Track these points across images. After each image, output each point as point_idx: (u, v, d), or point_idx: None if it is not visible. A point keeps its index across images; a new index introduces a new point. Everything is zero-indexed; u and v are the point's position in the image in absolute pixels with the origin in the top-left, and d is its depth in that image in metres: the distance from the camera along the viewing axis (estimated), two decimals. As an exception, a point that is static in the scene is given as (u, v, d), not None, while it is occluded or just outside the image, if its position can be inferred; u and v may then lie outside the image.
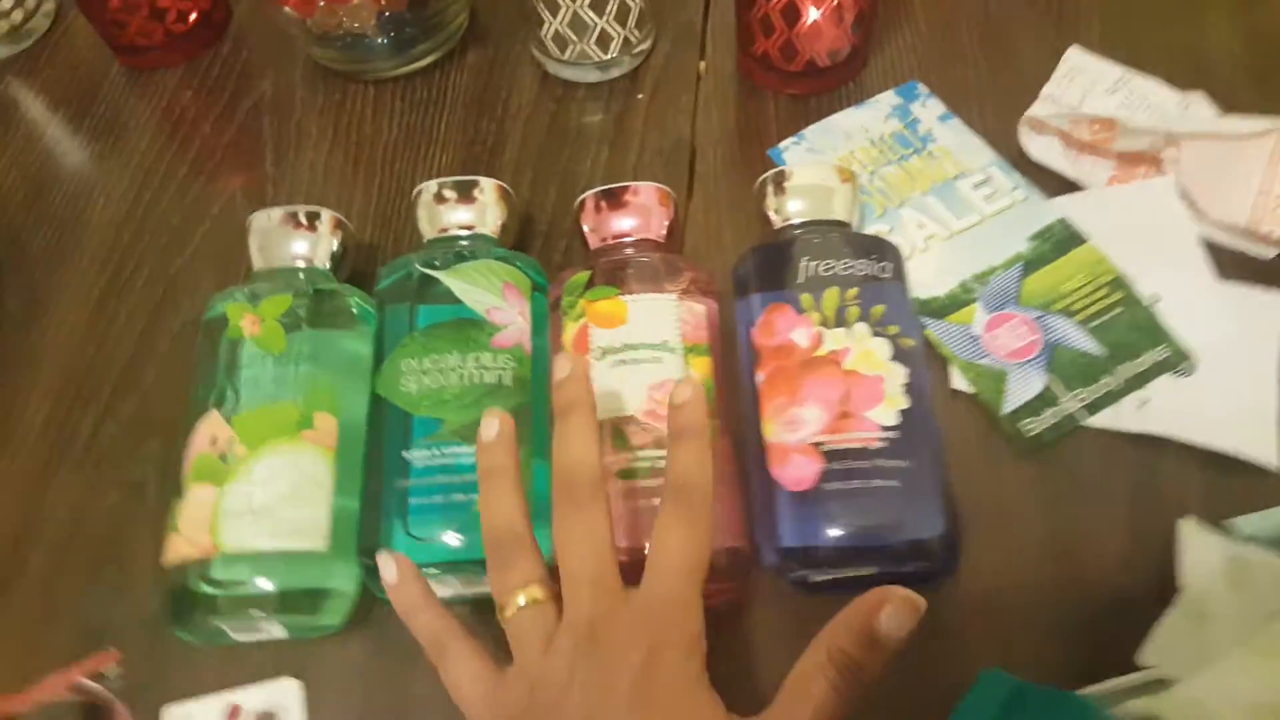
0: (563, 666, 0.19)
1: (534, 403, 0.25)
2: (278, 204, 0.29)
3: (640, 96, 0.36)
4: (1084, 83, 0.33)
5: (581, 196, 0.29)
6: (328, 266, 0.29)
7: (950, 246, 0.30)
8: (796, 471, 0.23)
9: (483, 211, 0.29)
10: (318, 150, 0.36)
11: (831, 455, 0.23)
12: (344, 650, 0.25)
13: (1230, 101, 0.32)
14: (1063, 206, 0.31)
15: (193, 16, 0.38)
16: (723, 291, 0.28)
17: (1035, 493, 0.26)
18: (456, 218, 0.29)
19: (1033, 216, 0.31)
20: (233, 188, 0.35)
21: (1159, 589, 0.24)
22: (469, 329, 0.26)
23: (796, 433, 0.24)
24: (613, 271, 0.26)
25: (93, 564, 0.28)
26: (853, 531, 0.22)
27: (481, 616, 0.24)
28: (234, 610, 0.23)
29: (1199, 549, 0.23)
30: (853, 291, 0.25)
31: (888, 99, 0.35)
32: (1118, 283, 0.29)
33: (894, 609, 0.19)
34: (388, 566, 0.22)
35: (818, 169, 0.28)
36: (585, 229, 0.29)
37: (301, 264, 0.28)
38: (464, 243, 0.28)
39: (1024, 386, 0.28)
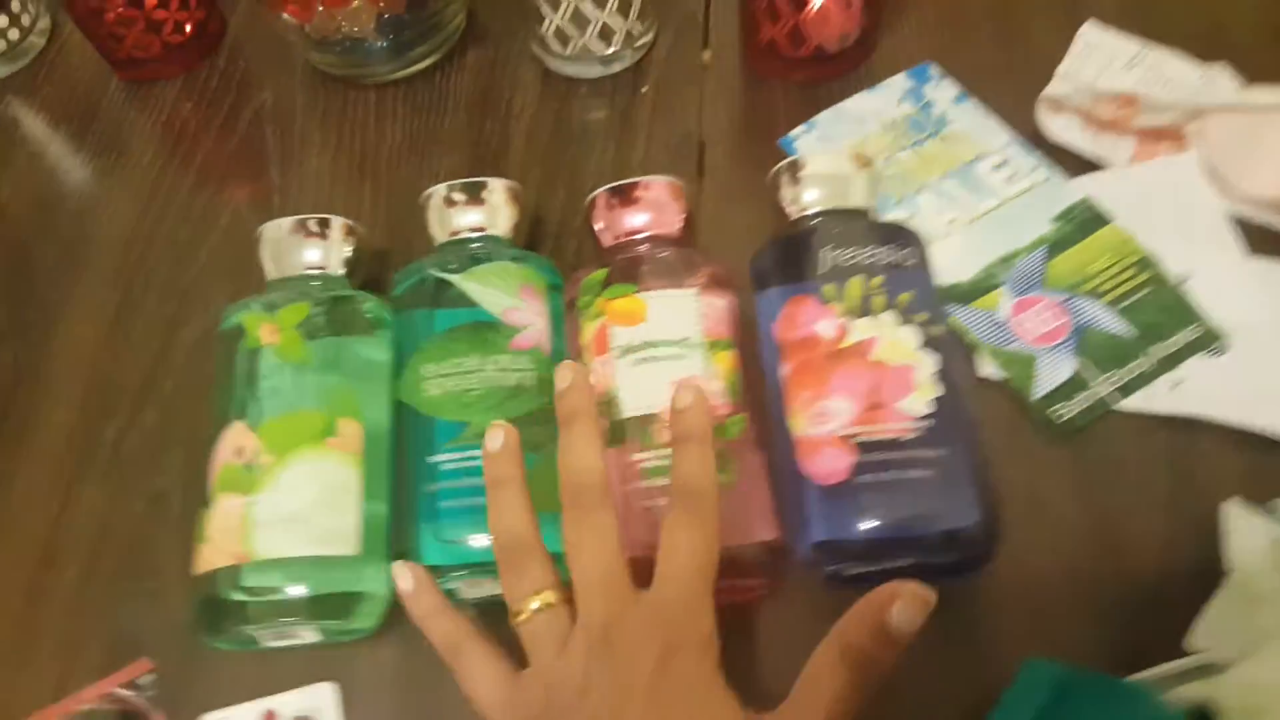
0: (578, 669, 0.19)
1: (553, 403, 0.25)
2: (285, 213, 0.28)
3: (644, 90, 0.35)
4: (1101, 59, 0.33)
5: (592, 194, 0.28)
6: (342, 273, 0.28)
7: (972, 231, 0.30)
8: (828, 465, 0.23)
9: (494, 213, 0.28)
10: (321, 158, 0.35)
11: (864, 447, 0.22)
12: (377, 654, 0.25)
13: (1254, 73, 0.31)
14: (1085, 186, 0.30)
15: (188, 27, 0.38)
16: (740, 285, 0.27)
17: (1070, 478, 0.26)
18: (468, 220, 0.28)
19: (1055, 197, 0.30)
20: (239, 199, 0.35)
21: (1200, 573, 0.24)
22: (486, 332, 0.25)
23: (826, 425, 0.23)
24: (629, 269, 0.26)
25: (122, 574, 0.28)
26: (888, 523, 0.22)
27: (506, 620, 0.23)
28: (267, 617, 0.23)
29: (1245, 532, 0.23)
30: (877, 280, 0.25)
31: (899, 83, 0.34)
32: (1145, 262, 0.29)
33: (904, 604, 0.19)
34: (403, 577, 0.22)
35: (834, 156, 0.28)
36: (598, 227, 0.28)
37: (316, 272, 0.28)
38: (476, 245, 0.28)
39: (1054, 371, 0.27)
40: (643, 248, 0.27)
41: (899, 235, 0.26)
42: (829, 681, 0.19)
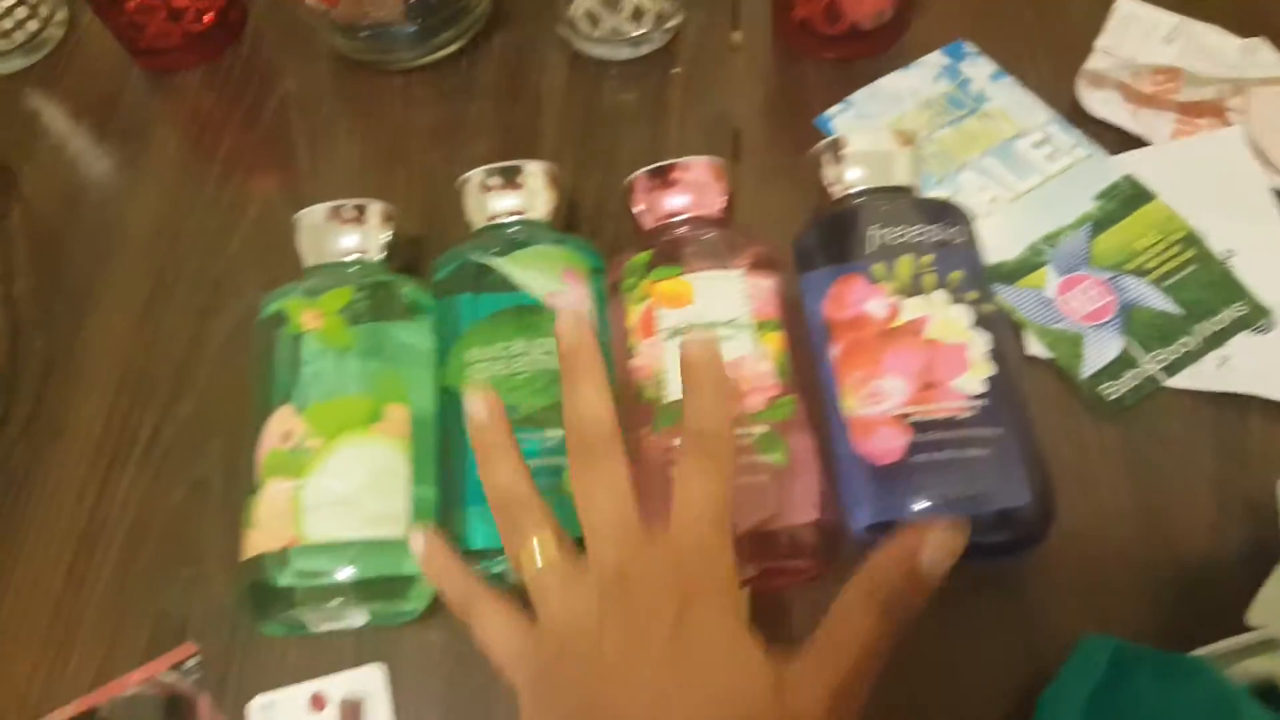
0: (591, 620, 0.19)
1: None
2: (315, 202, 0.28)
3: (676, 71, 0.35)
4: (1139, 32, 0.32)
5: (631, 177, 0.28)
6: (381, 258, 0.28)
7: (1015, 209, 0.29)
8: (882, 444, 0.22)
9: (532, 196, 0.28)
10: (350, 145, 0.35)
11: (918, 427, 0.22)
12: (424, 636, 0.25)
13: (1295, 46, 0.30)
14: (1127, 163, 0.30)
15: (209, 16, 0.37)
16: (782, 265, 0.27)
17: (1118, 457, 0.26)
18: (506, 204, 0.28)
19: (1097, 174, 0.30)
20: (268, 188, 0.34)
21: (1254, 549, 0.24)
22: (530, 315, 0.25)
23: (879, 405, 0.23)
24: (674, 251, 0.26)
25: (164, 560, 0.28)
26: (943, 504, 0.22)
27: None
28: (317, 600, 0.23)
29: (1303, 507, 0.23)
30: (927, 258, 0.24)
31: (935, 60, 0.33)
32: (1190, 239, 0.28)
33: (937, 544, 0.18)
34: (415, 539, 0.22)
35: (877, 134, 0.27)
36: (637, 209, 0.28)
37: (354, 257, 0.28)
38: (515, 229, 0.28)
39: (1101, 349, 0.27)
40: (684, 229, 0.27)
41: (947, 212, 0.26)
42: (859, 623, 0.18)
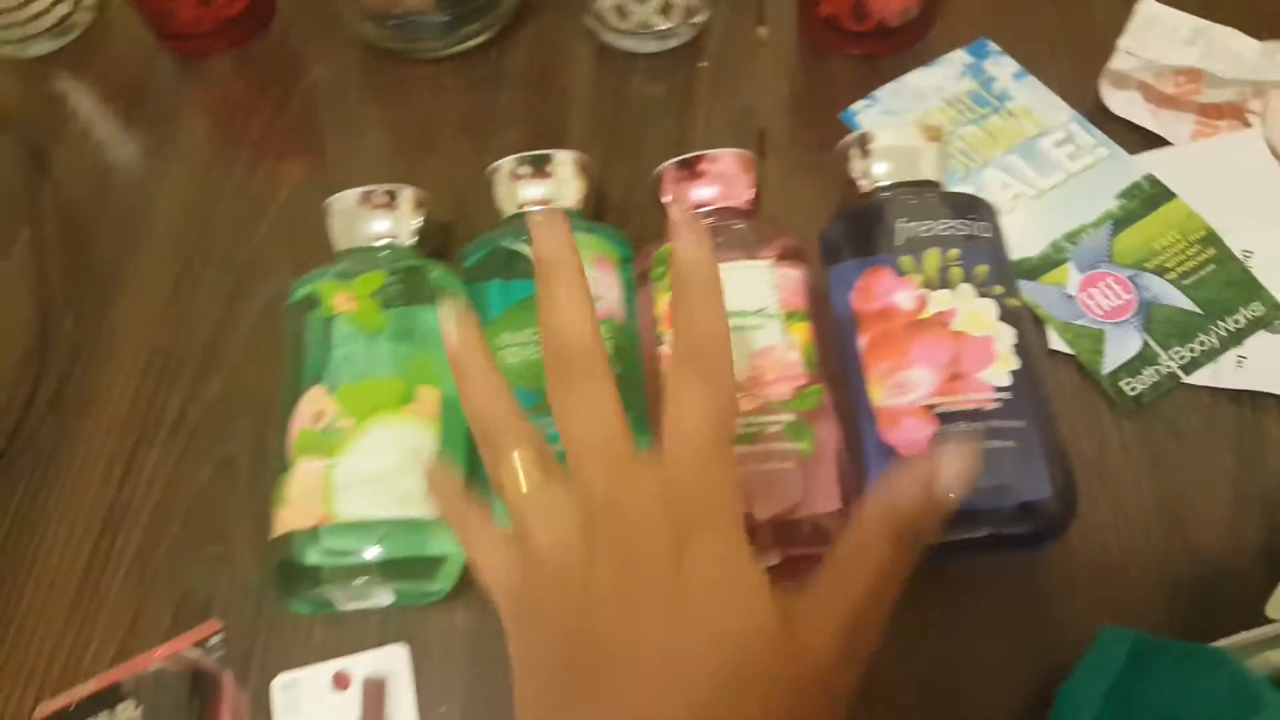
0: (579, 551, 0.17)
1: (630, 375, 0.25)
2: (344, 187, 0.28)
3: (703, 65, 0.35)
4: (1161, 33, 0.32)
5: (660, 167, 0.28)
6: (413, 243, 0.28)
7: (1038, 206, 0.30)
8: (909, 435, 0.23)
9: (562, 185, 0.28)
10: (379, 132, 0.35)
11: (945, 418, 0.23)
12: (449, 616, 0.25)
13: (1318, 49, 0.31)
14: (1148, 163, 0.30)
15: (240, 2, 0.37)
16: (808, 258, 0.27)
17: (1137, 452, 0.26)
18: (535, 192, 0.28)
19: (1118, 173, 0.30)
20: (297, 173, 0.35)
21: (1271, 544, 0.24)
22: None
23: (906, 396, 0.23)
24: (702, 240, 0.26)
25: (190, 538, 0.28)
26: (970, 494, 0.22)
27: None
28: (346, 578, 0.23)
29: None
30: (954, 252, 0.25)
31: (958, 58, 0.34)
32: (1209, 239, 0.29)
33: (950, 466, 0.17)
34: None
35: (904, 129, 0.27)
36: (666, 200, 0.28)
37: (386, 242, 0.28)
38: (544, 217, 0.28)
39: (1121, 346, 0.27)
40: (712, 220, 0.27)
41: (974, 207, 0.26)
42: (873, 553, 0.17)
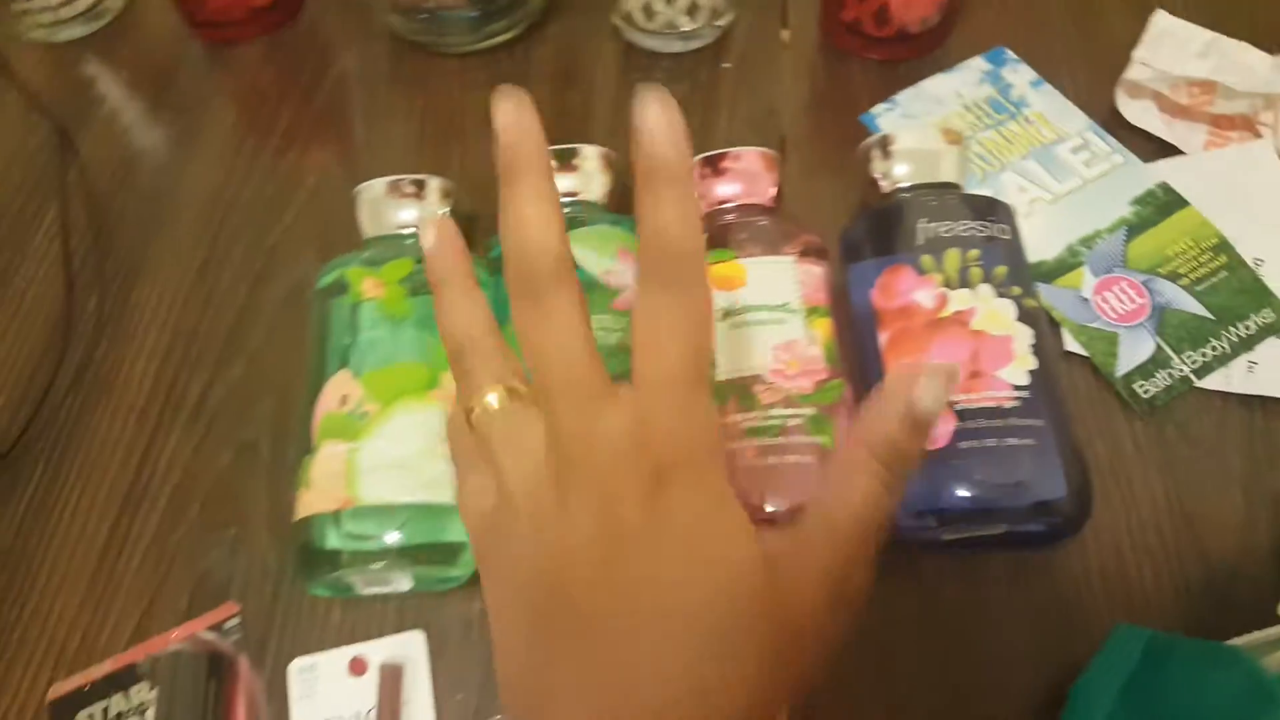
0: (551, 491, 0.15)
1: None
2: (371, 176, 0.29)
3: (726, 65, 0.36)
4: (1173, 46, 0.33)
5: (684, 163, 0.29)
6: (443, 232, 0.29)
7: (1054, 210, 0.30)
8: (928, 429, 0.23)
9: (588, 178, 0.29)
10: (407, 123, 0.36)
11: (965, 414, 0.23)
12: (465, 603, 0.26)
13: (1329, 64, 0.31)
14: (1162, 171, 0.31)
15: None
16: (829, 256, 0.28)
17: (1152, 453, 0.27)
18: (562, 185, 0.28)
19: (1132, 181, 0.31)
20: (325, 160, 0.35)
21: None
22: (587, 292, 0.25)
23: (926, 391, 0.24)
24: (726, 235, 0.26)
25: (209, 520, 0.28)
26: (988, 491, 0.22)
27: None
28: (367, 563, 0.23)
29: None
30: (974, 253, 0.25)
31: (977, 64, 0.34)
32: (1221, 246, 0.29)
33: (929, 383, 0.16)
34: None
35: (925, 131, 0.28)
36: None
37: (413, 230, 0.28)
38: (570, 209, 0.28)
39: (1135, 349, 0.28)
40: (736, 216, 0.28)
41: (994, 209, 0.26)
42: (861, 480, 0.16)
